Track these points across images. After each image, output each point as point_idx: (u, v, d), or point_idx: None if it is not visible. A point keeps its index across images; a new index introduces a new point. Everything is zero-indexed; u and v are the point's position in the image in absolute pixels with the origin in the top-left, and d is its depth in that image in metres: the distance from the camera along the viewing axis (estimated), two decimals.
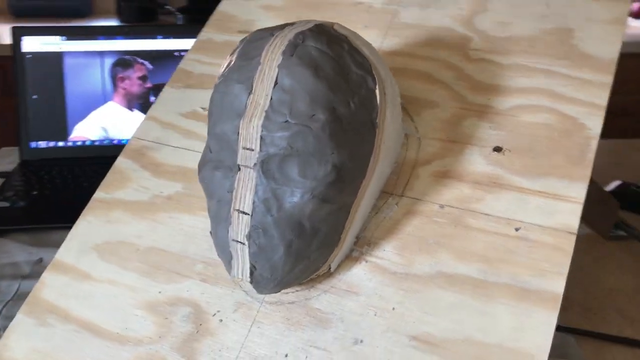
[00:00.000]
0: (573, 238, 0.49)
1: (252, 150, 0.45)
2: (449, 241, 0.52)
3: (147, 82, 1.07)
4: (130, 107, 1.07)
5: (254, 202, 0.46)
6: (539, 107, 0.57)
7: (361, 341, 0.49)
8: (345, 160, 0.46)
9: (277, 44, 0.47)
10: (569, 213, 0.50)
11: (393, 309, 0.50)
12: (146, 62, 1.06)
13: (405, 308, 0.49)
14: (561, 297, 0.47)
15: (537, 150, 0.54)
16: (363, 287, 0.51)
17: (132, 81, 1.06)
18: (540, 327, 0.46)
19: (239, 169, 0.46)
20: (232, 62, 0.48)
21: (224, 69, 0.50)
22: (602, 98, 0.56)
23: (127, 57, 1.06)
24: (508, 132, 0.56)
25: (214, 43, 0.73)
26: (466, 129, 0.57)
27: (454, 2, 0.67)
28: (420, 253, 0.52)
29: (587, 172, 0.52)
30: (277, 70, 0.45)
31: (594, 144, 0.53)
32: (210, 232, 0.51)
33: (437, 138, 0.58)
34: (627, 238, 0.84)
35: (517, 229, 0.51)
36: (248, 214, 0.46)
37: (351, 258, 0.53)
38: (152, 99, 1.07)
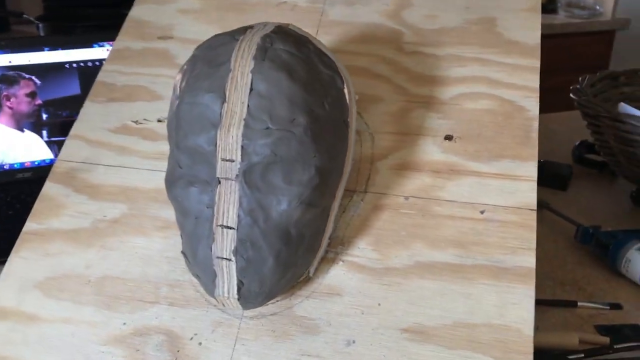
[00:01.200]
0: (534, 214, 0.52)
1: (233, 161, 0.43)
2: (420, 231, 0.53)
3: (36, 99, 0.98)
4: (20, 128, 0.97)
5: (238, 216, 0.44)
6: (479, 94, 0.60)
7: (354, 342, 0.49)
8: (325, 162, 0.46)
9: (244, 48, 0.45)
10: (526, 191, 0.54)
11: (379, 304, 0.50)
12: (34, 77, 0.97)
13: (390, 302, 0.50)
14: (534, 270, 0.50)
15: (486, 135, 0.57)
16: (345, 287, 0.51)
17: (19, 99, 0.97)
18: (521, 301, 0.48)
19: (219, 182, 0.44)
20: (196, 71, 0.45)
21: (181, 79, 0.47)
22: (534, 81, 0.60)
23: (10, 73, 0.96)
24: (455, 120, 0.58)
25: (132, 51, 0.69)
26: (415, 121, 0.59)
27: None
28: (394, 246, 0.52)
29: (534, 151, 0.56)
30: (250, 75, 0.44)
31: (535, 124, 0.57)
32: (183, 252, 0.48)
33: (388, 132, 0.59)
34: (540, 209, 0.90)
35: (482, 212, 0.53)
36: (233, 228, 0.44)
37: (327, 260, 0.52)
38: (44, 116, 0.98)
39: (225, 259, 0.44)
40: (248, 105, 0.43)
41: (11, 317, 0.53)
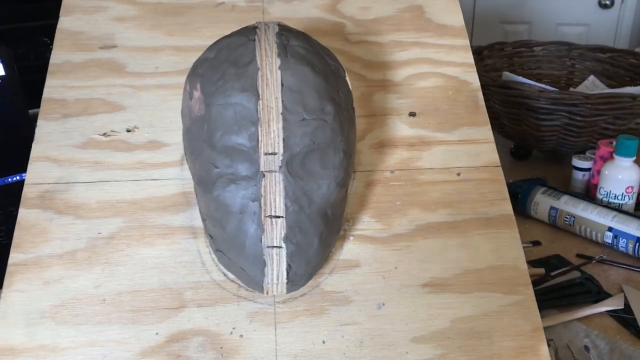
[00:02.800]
0: (500, 169, 0.61)
1: (275, 154, 0.46)
2: (411, 198, 0.59)
3: None
4: None
5: (285, 204, 0.46)
6: (427, 74, 0.67)
7: (383, 304, 0.54)
8: (348, 145, 0.50)
9: (265, 47, 0.47)
10: (488, 152, 0.62)
11: (396, 268, 0.55)
12: None
13: (405, 264, 0.56)
14: (513, 215, 0.59)
15: (442, 109, 0.65)
16: (361, 259, 0.56)
17: None
18: (510, 243, 0.57)
19: (263, 176, 0.46)
20: (220, 73, 0.47)
21: (199, 84, 0.48)
22: (469, 58, 0.69)
23: None
24: (413, 98, 0.65)
25: (74, 64, 0.66)
26: (378, 103, 0.65)
27: None
28: (394, 215, 0.58)
29: (485, 117, 0.65)
30: (279, 72, 0.46)
31: (480, 94, 0.66)
32: (219, 251, 0.49)
33: (358, 115, 0.64)
34: None
35: (458, 174, 0.61)
36: (282, 217, 0.46)
37: (339, 238, 0.56)
38: None
39: (276, 247, 0.47)
40: (282, 100, 0.46)
41: (26, 354, 0.50)
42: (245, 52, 0.47)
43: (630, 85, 1.11)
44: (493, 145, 0.63)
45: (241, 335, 0.52)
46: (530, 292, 0.55)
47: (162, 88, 0.65)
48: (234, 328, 0.52)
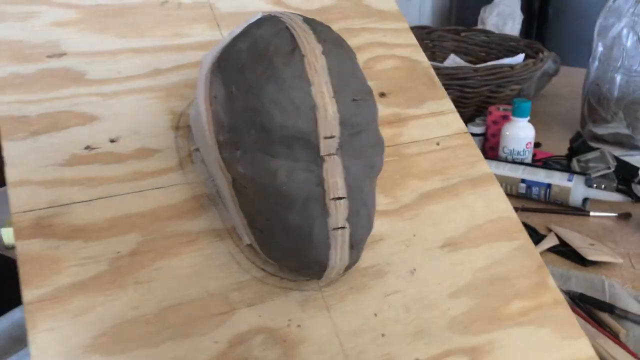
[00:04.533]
0: (468, 135, 0.68)
1: (333, 137, 0.47)
2: (407, 170, 0.63)
3: None
4: None
5: (347, 185, 0.47)
6: (382, 57, 0.72)
7: (414, 269, 0.57)
8: (377, 121, 0.52)
9: (301, 34, 0.48)
10: (455, 120, 0.69)
11: (414, 235, 0.59)
12: None
13: (421, 230, 0.60)
14: (492, 172, 0.66)
15: (406, 87, 0.70)
16: (381, 233, 0.59)
17: None
18: (498, 197, 0.64)
19: (323, 160, 0.47)
20: (265, 63, 0.46)
21: (236, 74, 0.47)
22: (413, 39, 0.74)
23: None
24: (377, 80, 0.69)
25: (24, 77, 0.59)
26: None
27: None
28: (397, 188, 0.62)
29: (443, 91, 0.71)
30: (323, 57, 0.47)
31: (432, 71, 0.72)
32: (271, 244, 0.49)
33: None
34: None
35: (438, 144, 0.66)
36: (344, 198, 0.48)
37: None
38: None
39: (340, 228, 0.48)
40: (332, 84, 0.47)
41: None
42: (284, 41, 0.47)
43: (486, 61, 1.27)
44: (457, 114, 0.69)
45: (299, 325, 0.52)
46: (526, 236, 0.62)
47: (133, 93, 0.61)
48: (289, 320, 0.52)
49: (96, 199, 0.54)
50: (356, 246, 0.50)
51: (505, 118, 1.00)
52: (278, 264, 0.52)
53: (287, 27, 0.48)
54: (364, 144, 0.49)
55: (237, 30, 0.53)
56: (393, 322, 0.54)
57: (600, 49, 1.11)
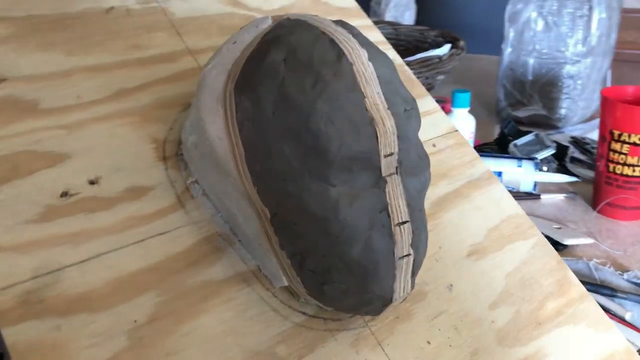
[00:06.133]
0: (459, 132, 0.65)
1: (392, 154, 0.41)
2: None
3: None
4: None
5: (409, 206, 0.42)
6: None
7: (451, 285, 0.53)
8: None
9: (342, 39, 0.41)
10: (443, 119, 0.65)
11: (440, 247, 0.55)
12: None
13: (445, 241, 0.56)
14: (491, 170, 0.63)
15: None
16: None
17: None
18: (502, 195, 0.62)
19: (385, 182, 0.41)
20: (312, 75, 0.39)
21: (275, 90, 0.39)
22: (380, 35, 0.70)
23: None
24: None
25: None
26: None
27: None
28: None
29: (423, 89, 0.67)
30: (370, 64, 0.41)
31: (408, 69, 0.68)
32: (327, 285, 0.42)
33: None
34: None
35: (434, 145, 0.63)
36: (408, 222, 0.42)
37: None
38: None
39: (406, 255, 0.42)
40: (383, 93, 0.41)
41: None
42: (326, 49, 0.40)
43: (403, 54, 1.26)
44: (442, 113, 0.66)
45: None
46: (537, 232, 0.61)
47: (101, 121, 0.50)
48: None
49: (90, 259, 0.43)
50: (416, 273, 0.44)
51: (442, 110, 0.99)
52: (332, 307, 0.45)
53: (323, 32, 0.41)
54: (413, 158, 0.43)
55: (245, 39, 0.45)
56: (447, 348, 0.49)
57: (512, 34, 1.14)
